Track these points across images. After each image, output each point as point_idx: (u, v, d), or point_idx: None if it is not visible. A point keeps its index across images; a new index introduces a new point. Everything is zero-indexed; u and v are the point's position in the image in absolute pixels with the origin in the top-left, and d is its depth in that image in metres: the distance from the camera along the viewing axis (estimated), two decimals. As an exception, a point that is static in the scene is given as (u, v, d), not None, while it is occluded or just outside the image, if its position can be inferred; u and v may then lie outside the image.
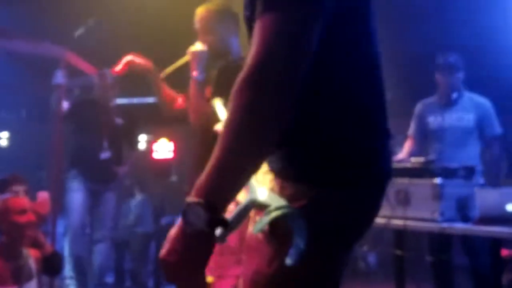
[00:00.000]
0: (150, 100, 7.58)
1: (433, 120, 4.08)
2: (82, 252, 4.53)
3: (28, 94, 6.82)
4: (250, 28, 1.16)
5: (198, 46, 2.74)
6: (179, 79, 2.93)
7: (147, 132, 8.61)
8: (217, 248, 1.08)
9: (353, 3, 1.17)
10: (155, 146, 8.46)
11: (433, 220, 3.10)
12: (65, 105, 4.56)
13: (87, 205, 4.60)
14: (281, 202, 1.12)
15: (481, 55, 5.04)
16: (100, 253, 4.65)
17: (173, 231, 1.08)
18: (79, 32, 5.14)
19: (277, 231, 1.13)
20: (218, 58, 2.78)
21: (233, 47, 2.79)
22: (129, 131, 4.88)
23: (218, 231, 1.05)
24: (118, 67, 2.88)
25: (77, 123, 4.68)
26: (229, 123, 1.04)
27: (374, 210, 1.24)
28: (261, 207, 1.15)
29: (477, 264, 3.68)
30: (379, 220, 3.27)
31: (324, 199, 1.13)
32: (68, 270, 4.35)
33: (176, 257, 1.06)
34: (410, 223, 3.20)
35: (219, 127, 1.75)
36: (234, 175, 1.06)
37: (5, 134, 8.86)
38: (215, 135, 1.30)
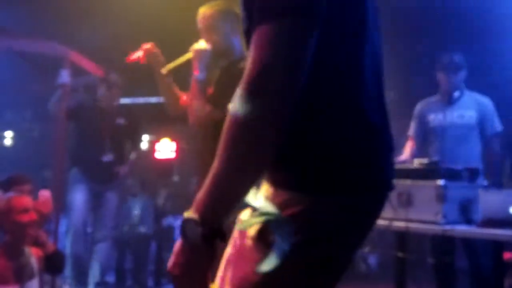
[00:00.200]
0: (153, 100, 7.60)
1: (433, 118, 4.08)
2: (83, 251, 4.54)
3: (33, 93, 6.83)
4: (248, 40, 1.16)
5: (201, 44, 2.74)
6: (179, 78, 2.93)
7: (149, 132, 8.63)
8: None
9: (346, 6, 1.16)
10: (157, 146, 8.49)
11: (435, 223, 3.09)
12: (65, 105, 4.55)
13: (89, 204, 4.60)
14: (271, 208, 1.13)
15: (483, 55, 5.03)
16: (101, 253, 4.66)
17: (176, 245, 1.12)
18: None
19: (264, 238, 1.13)
20: (221, 57, 2.77)
21: (235, 46, 2.78)
22: (132, 131, 4.88)
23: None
24: (137, 54, 2.87)
25: (79, 124, 4.68)
26: (227, 136, 1.05)
27: (369, 218, 1.22)
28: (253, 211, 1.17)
29: (479, 267, 3.67)
30: (381, 222, 3.26)
31: (320, 206, 1.12)
32: (69, 269, 4.36)
33: (178, 269, 1.11)
34: (412, 225, 3.19)
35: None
36: (231, 190, 1.07)
37: (10, 134, 8.88)
38: (215, 134, 1.30)
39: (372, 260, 6.27)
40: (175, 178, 8.02)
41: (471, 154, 3.90)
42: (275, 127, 1.04)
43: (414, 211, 3.19)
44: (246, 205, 1.18)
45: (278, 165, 1.14)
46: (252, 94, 1.03)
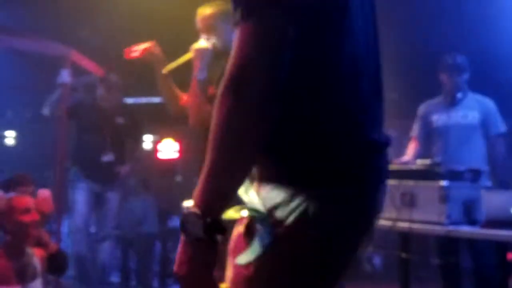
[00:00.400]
0: (156, 100, 7.59)
1: (437, 119, 4.08)
2: (86, 251, 4.53)
3: (34, 93, 6.82)
4: None
5: (202, 43, 2.73)
6: (180, 78, 2.92)
7: (152, 132, 8.62)
8: None
9: (329, 6, 1.17)
10: (160, 146, 8.48)
11: (439, 223, 3.08)
12: (66, 104, 4.55)
13: (91, 204, 4.60)
14: (259, 206, 1.15)
15: (485, 56, 5.01)
16: (104, 253, 4.66)
17: (180, 245, 1.12)
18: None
19: (251, 233, 1.15)
20: (220, 57, 2.76)
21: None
22: (132, 130, 4.87)
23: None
24: (136, 53, 2.86)
25: (78, 123, 4.67)
26: (214, 132, 1.08)
27: (362, 213, 1.22)
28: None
29: (483, 267, 3.66)
30: (384, 222, 3.25)
31: (314, 199, 1.13)
32: (72, 269, 4.35)
33: (184, 268, 1.10)
34: (416, 226, 3.18)
35: None
36: (225, 181, 1.10)
37: (12, 133, 8.88)
38: None
39: (377, 260, 6.27)
40: (178, 178, 8.01)
41: (475, 155, 3.89)
42: (255, 121, 1.07)
43: (417, 212, 3.19)
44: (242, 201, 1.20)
45: (267, 160, 1.17)
46: (231, 91, 1.07)
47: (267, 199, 1.16)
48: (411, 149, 4.19)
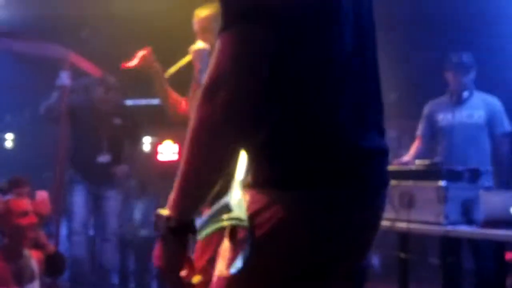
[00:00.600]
0: (155, 101, 7.57)
1: (442, 118, 4.05)
2: (84, 254, 4.53)
3: (33, 95, 6.82)
4: None
5: (200, 44, 2.73)
6: (179, 81, 2.92)
7: (151, 134, 8.60)
8: None
9: (313, 14, 1.16)
10: (160, 148, 8.47)
11: (437, 223, 3.08)
12: (64, 106, 4.55)
13: (89, 207, 4.59)
14: (240, 212, 1.18)
15: (488, 56, 5.00)
16: (104, 255, 4.65)
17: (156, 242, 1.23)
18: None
19: (234, 238, 1.20)
20: None
21: None
22: (130, 130, 4.86)
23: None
24: (133, 62, 2.86)
25: (75, 125, 4.67)
26: (188, 135, 1.13)
27: (353, 216, 1.21)
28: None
29: (484, 268, 3.65)
30: (383, 223, 3.25)
31: (299, 201, 1.15)
32: (69, 271, 4.35)
33: (158, 262, 1.21)
34: (414, 226, 3.18)
35: None
36: (193, 186, 1.16)
37: (10, 136, 8.87)
38: None
39: (375, 261, 6.26)
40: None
41: (480, 155, 3.87)
42: (223, 131, 1.10)
43: (416, 212, 3.19)
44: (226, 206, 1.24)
45: (254, 166, 1.21)
46: (205, 99, 1.11)
47: (251, 204, 1.18)
48: (414, 148, 4.17)
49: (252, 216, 1.16)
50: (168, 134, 8.38)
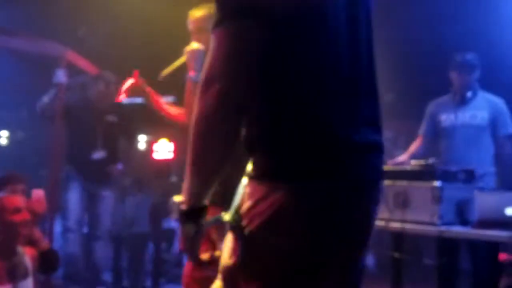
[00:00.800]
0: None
1: (445, 118, 4.02)
2: (78, 251, 4.52)
3: (29, 92, 6.81)
4: None
5: (194, 45, 2.73)
6: (176, 81, 2.92)
7: (147, 133, 8.60)
8: None
9: (303, 12, 1.23)
10: (155, 147, 8.46)
11: (432, 224, 3.08)
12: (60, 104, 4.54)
13: (83, 204, 4.59)
14: (235, 215, 1.31)
15: (490, 56, 5.00)
16: (97, 252, 4.64)
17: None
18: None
19: (238, 227, 1.30)
20: None
21: None
22: (125, 128, 4.86)
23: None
24: (123, 95, 2.89)
25: (69, 123, 4.66)
26: (192, 128, 1.24)
27: (345, 210, 1.27)
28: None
29: (477, 268, 3.65)
30: (377, 223, 3.25)
31: (296, 192, 1.23)
32: (63, 269, 4.34)
33: (181, 243, 1.36)
34: (409, 226, 3.19)
35: None
36: (201, 172, 1.27)
37: (5, 133, 8.86)
38: None
39: (370, 260, 6.26)
40: (173, 178, 7.99)
41: (482, 156, 3.85)
42: (223, 116, 1.21)
43: (410, 212, 3.19)
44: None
45: (254, 159, 1.30)
46: (202, 92, 1.22)
47: (251, 194, 1.27)
48: (412, 147, 4.15)
49: (253, 205, 1.25)
50: (163, 133, 8.37)
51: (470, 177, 3.26)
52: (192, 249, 1.33)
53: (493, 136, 3.93)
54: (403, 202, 3.23)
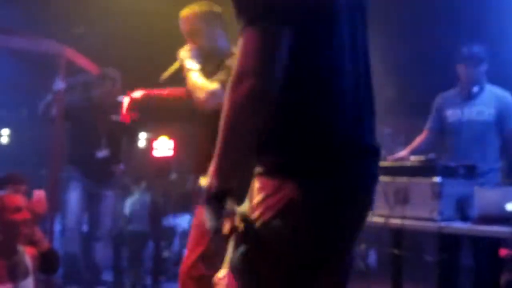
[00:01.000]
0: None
1: (451, 114, 3.95)
2: (78, 250, 4.52)
3: (29, 91, 6.81)
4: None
5: (187, 48, 2.75)
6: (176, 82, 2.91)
7: (147, 130, 8.60)
8: None
9: (319, 12, 1.34)
10: (155, 144, 8.47)
11: (432, 219, 3.08)
12: (54, 111, 4.54)
13: (84, 203, 4.59)
14: (245, 211, 1.36)
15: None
16: (98, 251, 4.64)
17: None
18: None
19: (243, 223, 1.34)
20: (208, 58, 2.75)
21: (220, 45, 2.77)
22: (127, 127, 4.85)
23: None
24: (125, 117, 2.90)
25: (72, 123, 4.66)
26: (222, 119, 1.31)
27: (348, 205, 1.36)
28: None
29: (478, 263, 3.64)
30: (377, 219, 3.25)
31: (304, 188, 1.31)
32: (63, 268, 4.34)
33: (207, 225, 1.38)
34: (409, 222, 3.18)
35: None
36: (224, 161, 1.32)
37: (6, 132, 8.87)
38: (214, 124, 1.45)
39: (370, 257, 6.27)
40: (173, 176, 8.00)
41: (488, 152, 3.81)
42: (253, 113, 1.28)
43: (410, 208, 3.19)
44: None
45: (264, 154, 1.36)
46: (234, 86, 1.28)
47: (261, 189, 1.34)
48: (416, 142, 4.11)
49: (264, 198, 1.33)
50: (163, 130, 8.38)
51: (470, 172, 3.25)
52: (216, 232, 1.36)
53: (499, 130, 3.87)
54: (403, 198, 3.22)
